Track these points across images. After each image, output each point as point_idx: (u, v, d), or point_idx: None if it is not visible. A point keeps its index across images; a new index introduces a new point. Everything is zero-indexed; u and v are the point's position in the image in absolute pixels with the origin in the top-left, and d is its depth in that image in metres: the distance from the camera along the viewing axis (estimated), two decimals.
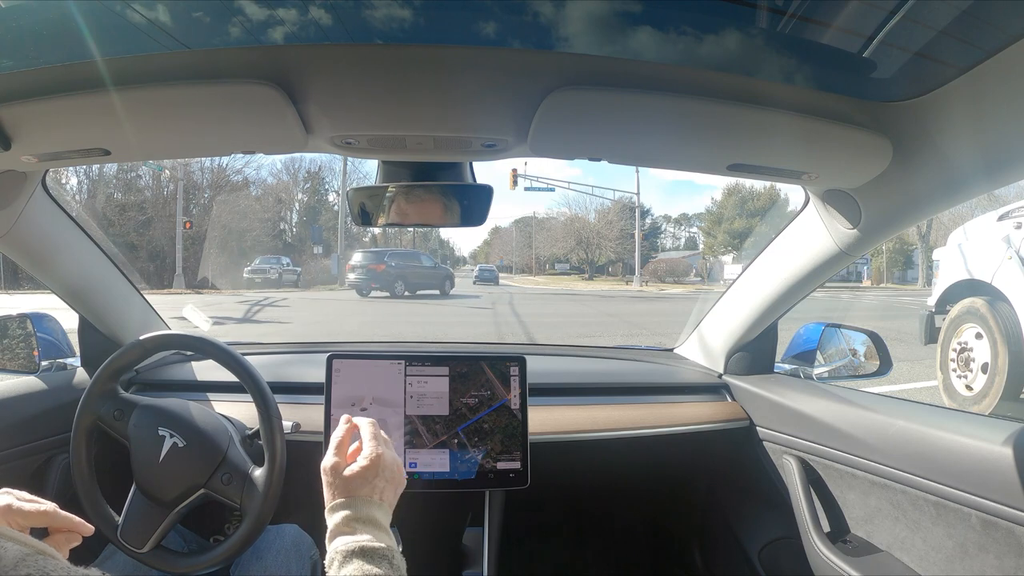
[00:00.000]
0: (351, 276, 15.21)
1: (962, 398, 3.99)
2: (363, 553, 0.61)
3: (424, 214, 0.93)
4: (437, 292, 16.02)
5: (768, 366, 1.37)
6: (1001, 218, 3.97)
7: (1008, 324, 3.69)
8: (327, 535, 0.66)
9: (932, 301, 4.42)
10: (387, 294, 14.81)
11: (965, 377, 4.03)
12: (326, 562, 0.63)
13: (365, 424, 0.76)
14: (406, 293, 15.11)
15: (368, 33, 0.57)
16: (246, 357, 0.98)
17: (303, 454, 1.04)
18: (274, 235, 26.49)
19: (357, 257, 15.60)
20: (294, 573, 1.00)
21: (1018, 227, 3.79)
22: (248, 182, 26.41)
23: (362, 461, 0.71)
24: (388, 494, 0.71)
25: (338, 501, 0.68)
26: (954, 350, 4.11)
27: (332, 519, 0.67)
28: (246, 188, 26.02)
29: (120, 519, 0.93)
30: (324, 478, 0.71)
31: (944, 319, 4.26)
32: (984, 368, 3.87)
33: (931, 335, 4.31)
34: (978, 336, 3.94)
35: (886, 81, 0.62)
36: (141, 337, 0.99)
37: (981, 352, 3.90)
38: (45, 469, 1.12)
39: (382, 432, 0.77)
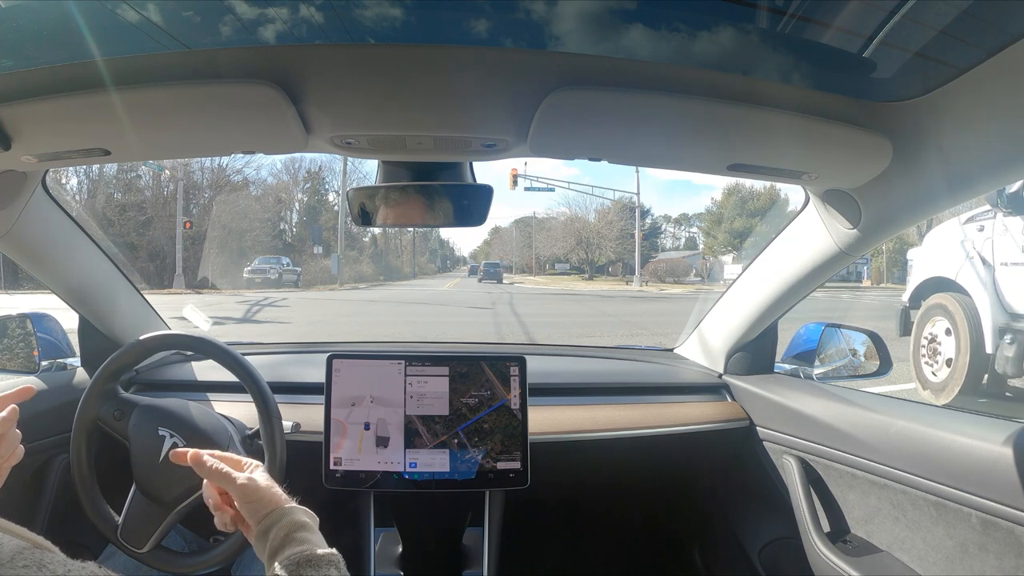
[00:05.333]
0: None
1: (931, 384, 4.34)
2: (309, 562, 0.59)
3: (424, 214, 0.93)
4: None
5: (768, 366, 1.37)
6: (966, 222, 4.32)
7: (970, 316, 4.04)
8: (266, 555, 0.62)
9: (906, 297, 4.82)
10: None
11: (933, 365, 4.37)
12: None
13: (207, 458, 0.70)
14: None
15: (369, 33, 0.57)
16: (246, 357, 0.98)
17: (303, 454, 1.04)
18: (274, 235, 26.45)
19: None
20: None
21: (980, 230, 4.16)
22: (248, 182, 26.38)
23: (262, 473, 0.69)
24: (283, 495, 0.68)
25: (267, 518, 0.64)
26: (925, 339, 4.47)
27: (268, 537, 0.62)
28: (246, 188, 26.00)
29: (120, 519, 0.93)
30: (243, 499, 0.66)
31: (917, 313, 4.64)
32: (949, 360, 4.23)
33: (905, 328, 4.68)
34: (947, 332, 4.28)
35: (886, 81, 0.63)
36: (141, 337, 0.99)
37: (947, 343, 4.25)
38: (45, 469, 1.12)
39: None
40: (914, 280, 4.74)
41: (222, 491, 0.69)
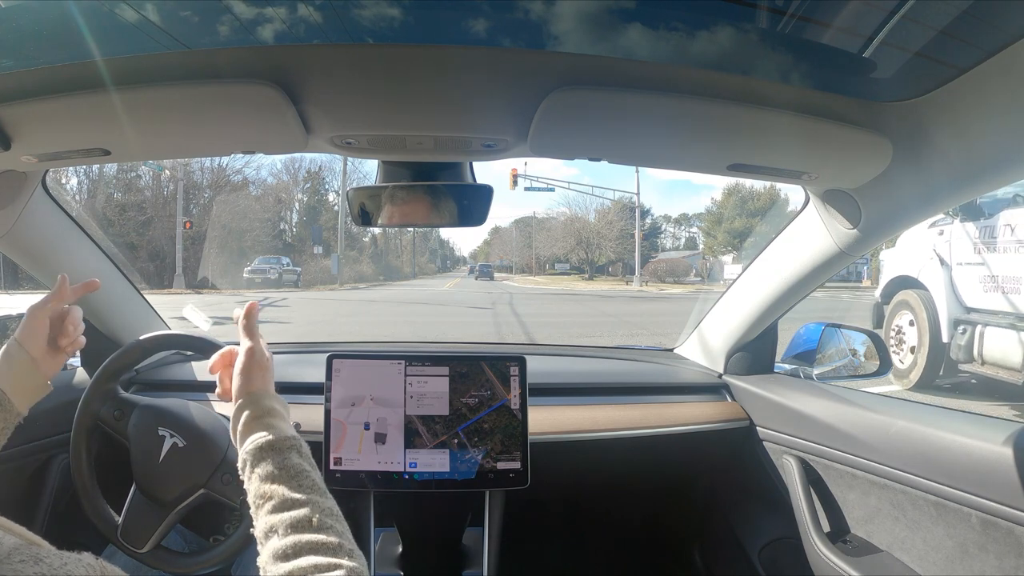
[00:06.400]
0: None
1: (898, 370, 4.88)
2: (272, 446, 0.61)
3: (424, 214, 0.93)
4: None
5: (768, 366, 1.37)
6: (930, 226, 4.80)
7: (929, 310, 4.62)
8: (237, 436, 0.65)
9: (878, 293, 5.45)
10: None
11: (899, 353, 4.91)
12: (239, 466, 0.62)
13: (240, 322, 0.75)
14: None
15: (369, 34, 0.57)
16: None
17: None
18: (274, 235, 26.46)
19: None
20: None
21: (940, 234, 4.68)
22: (248, 182, 26.42)
23: (267, 362, 0.71)
24: (271, 383, 0.71)
25: (244, 400, 0.67)
26: (893, 331, 5.02)
27: (240, 418, 0.65)
28: (246, 188, 26.02)
29: (120, 519, 0.93)
30: (246, 361, 0.69)
31: (887, 308, 5.23)
32: (912, 348, 4.80)
33: (878, 321, 5.32)
34: (911, 323, 4.84)
35: (886, 81, 0.62)
36: (141, 337, 0.99)
37: (911, 334, 4.81)
38: (45, 469, 1.12)
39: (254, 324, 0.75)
40: (885, 278, 5.37)
41: (225, 365, 0.74)
